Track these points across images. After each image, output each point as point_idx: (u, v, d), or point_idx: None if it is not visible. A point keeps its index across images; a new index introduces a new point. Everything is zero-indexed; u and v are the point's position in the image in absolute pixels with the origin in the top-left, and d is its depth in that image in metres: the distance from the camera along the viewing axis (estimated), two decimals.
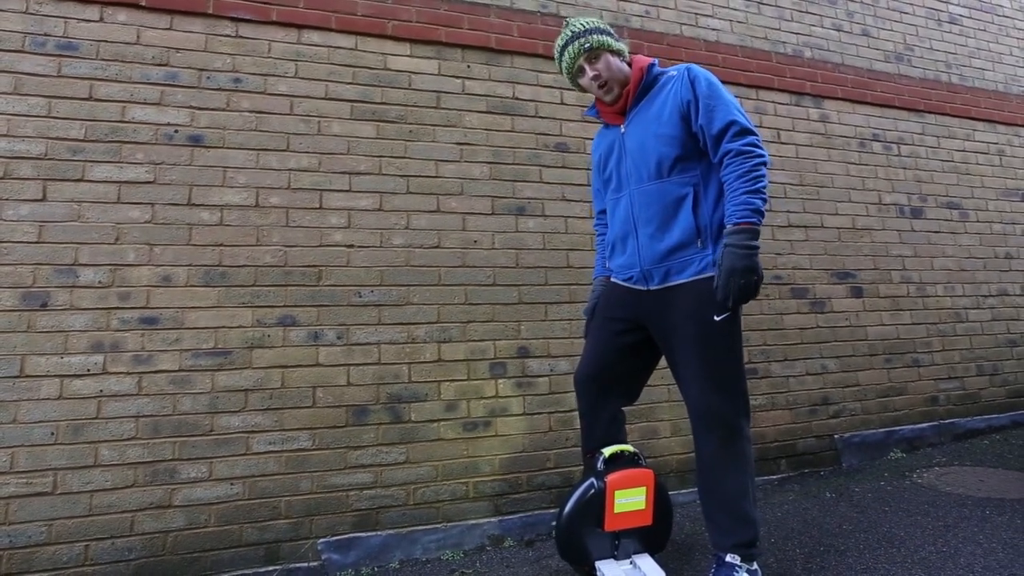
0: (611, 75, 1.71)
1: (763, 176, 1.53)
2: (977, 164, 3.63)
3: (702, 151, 1.66)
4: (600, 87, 1.73)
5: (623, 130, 1.78)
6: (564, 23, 1.79)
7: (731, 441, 1.63)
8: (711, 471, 1.66)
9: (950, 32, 3.78)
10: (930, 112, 3.55)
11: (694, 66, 1.69)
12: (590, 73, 1.71)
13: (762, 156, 1.55)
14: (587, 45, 1.68)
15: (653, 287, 1.71)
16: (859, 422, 2.96)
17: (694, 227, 1.61)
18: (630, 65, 1.77)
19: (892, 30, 3.58)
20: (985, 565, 1.76)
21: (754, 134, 1.57)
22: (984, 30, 3.91)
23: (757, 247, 1.50)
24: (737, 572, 1.60)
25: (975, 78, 3.77)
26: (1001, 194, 3.66)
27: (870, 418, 2.99)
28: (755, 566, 1.64)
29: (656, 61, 1.77)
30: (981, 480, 2.55)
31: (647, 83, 1.73)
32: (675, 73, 1.70)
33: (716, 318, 1.58)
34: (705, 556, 1.96)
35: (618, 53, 1.73)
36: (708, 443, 1.65)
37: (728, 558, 1.61)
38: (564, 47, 1.74)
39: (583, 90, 1.84)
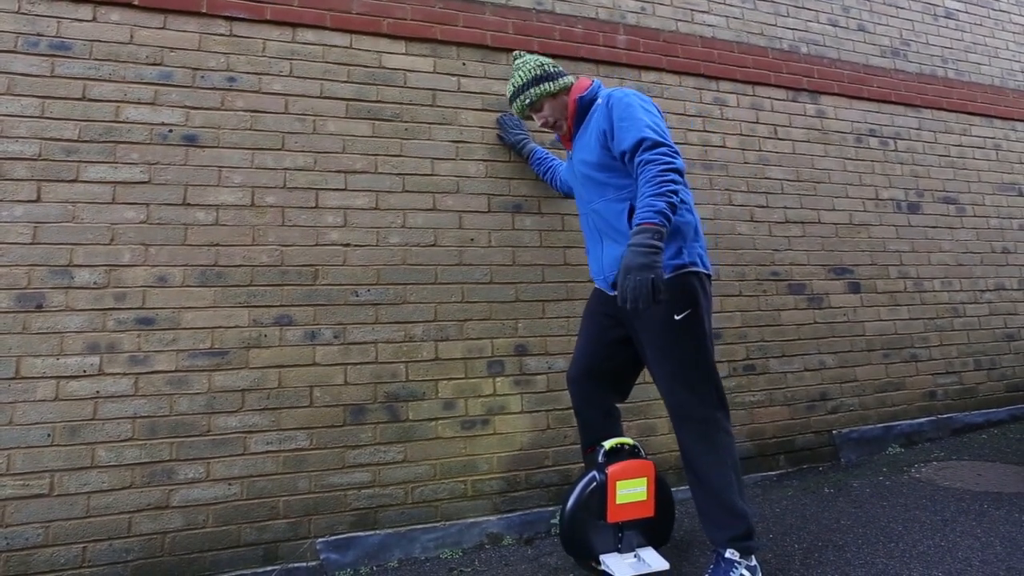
0: (556, 115, 1.92)
1: (670, 181, 1.55)
2: (974, 159, 3.63)
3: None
4: (551, 128, 1.97)
5: (572, 156, 1.97)
6: (512, 63, 2.05)
7: (707, 435, 1.67)
8: (694, 465, 1.71)
9: (946, 27, 3.78)
10: (927, 107, 3.55)
11: (613, 93, 1.78)
12: (538, 121, 1.97)
13: (670, 163, 1.57)
14: (527, 102, 1.91)
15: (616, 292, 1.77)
16: (857, 417, 2.96)
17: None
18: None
19: (888, 25, 3.58)
20: (983, 559, 1.77)
21: (666, 145, 1.61)
22: (980, 24, 3.91)
23: (658, 247, 1.49)
24: (736, 568, 1.61)
25: (971, 73, 3.77)
26: (998, 188, 3.66)
27: (868, 413, 2.99)
28: (754, 561, 1.64)
29: (592, 88, 1.89)
30: (979, 474, 2.55)
31: (580, 113, 1.89)
32: (601, 101, 1.82)
33: (676, 317, 1.62)
34: (704, 552, 1.97)
35: (558, 92, 1.91)
36: (686, 438, 1.71)
37: (728, 554, 1.63)
38: (511, 101, 1.98)
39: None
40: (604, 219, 1.80)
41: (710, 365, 1.69)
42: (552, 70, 1.92)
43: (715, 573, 1.63)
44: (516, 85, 1.93)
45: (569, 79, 1.93)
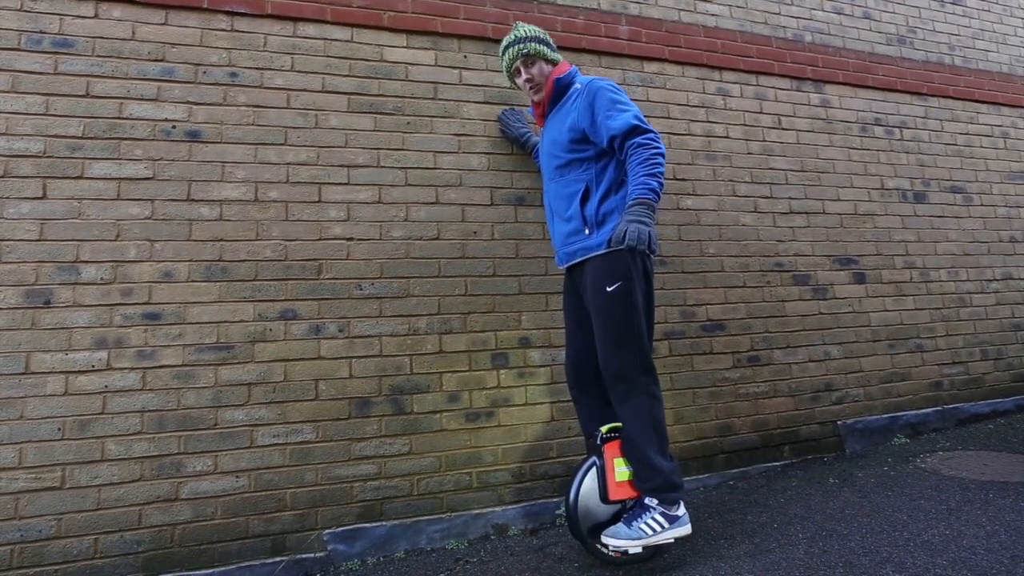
0: (541, 79, 2.04)
1: (660, 164, 1.81)
2: (981, 147, 3.60)
3: (596, 154, 1.93)
4: (531, 88, 2.07)
5: (543, 133, 2.12)
6: (513, 25, 2.13)
7: (632, 395, 1.82)
8: (623, 423, 1.86)
9: (953, 13, 3.73)
10: (933, 95, 3.52)
11: (595, 82, 1.94)
12: (524, 76, 2.05)
13: (659, 148, 1.82)
14: (525, 51, 2.00)
15: (567, 265, 2.01)
16: (862, 408, 2.95)
17: (581, 217, 1.91)
18: None
19: (894, 12, 3.54)
20: (988, 547, 1.77)
21: (652, 132, 1.85)
22: (988, 11, 3.86)
23: (653, 217, 1.78)
24: (649, 512, 1.77)
25: (978, 60, 3.72)
26: (1005, 177, 3.63)
27: (873, 404, 2.98)
28: (678, 511, 1.79)
29: (571, 71, 2.05)
30: (985, 464, 2.54)
31: (557, 94, 2.03)
32: (579, 86, 1.98)
33: (608, 289, 1.82)
34: (709, 543, 1.98)
35: (551, 62, 2.05)
36: (615, 398, 1.88)
37: (647, 500, 1.80)
38: (507, 48, 2.05)
39: (517, 87, 2.16)
40: (558, 197, 1.99)
41: (638, 334, 1.84)
42: (551, 41, 2.09)
43: (630, 515, 1.79)
44: (518, 36, 2.03)
45: (560, 56, 2.10)
